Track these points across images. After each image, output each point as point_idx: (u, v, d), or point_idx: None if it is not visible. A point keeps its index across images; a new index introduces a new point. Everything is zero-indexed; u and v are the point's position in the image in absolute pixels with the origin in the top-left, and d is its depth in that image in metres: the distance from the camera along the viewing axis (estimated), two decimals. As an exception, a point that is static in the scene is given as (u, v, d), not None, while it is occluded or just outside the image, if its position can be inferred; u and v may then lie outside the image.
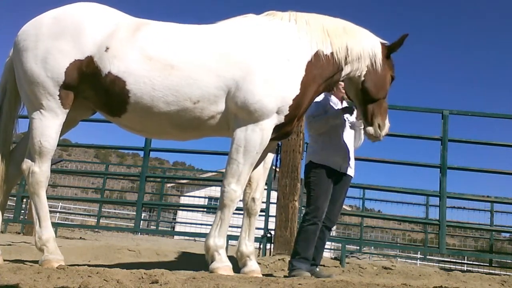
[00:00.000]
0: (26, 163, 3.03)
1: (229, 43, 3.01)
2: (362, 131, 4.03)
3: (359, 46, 3.22)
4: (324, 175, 3.92)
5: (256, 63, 2.93)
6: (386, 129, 3.42)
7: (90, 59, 2.93)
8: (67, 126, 3.26)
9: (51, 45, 2.95)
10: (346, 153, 4.00)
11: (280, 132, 3.14)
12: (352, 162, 4.09)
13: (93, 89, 3.00)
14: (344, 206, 18.23)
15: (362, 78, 3.30)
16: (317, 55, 3.11)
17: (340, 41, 3.17)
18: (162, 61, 2.89)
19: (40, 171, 3.00)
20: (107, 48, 2.91)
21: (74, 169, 12.89)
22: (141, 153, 6.54)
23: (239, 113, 2.92)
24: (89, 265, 3.01)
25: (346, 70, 3.25)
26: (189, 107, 2.92)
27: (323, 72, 3.14)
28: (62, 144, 7.68)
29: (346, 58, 3.18)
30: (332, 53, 3.15)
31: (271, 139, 3.08)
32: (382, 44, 3.38)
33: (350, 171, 4.10)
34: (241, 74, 2.90)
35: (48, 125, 2.99)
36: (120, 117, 3.06)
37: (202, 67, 2.90)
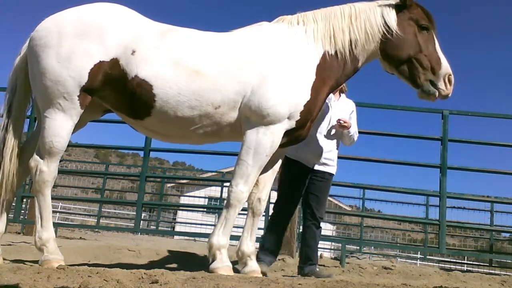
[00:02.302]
0: (35, 161, 3.00)
1: (247, 50, 3.07)
2: (347, 131, 4.02)
3: (363, 33, 3.17)
4: (295, 170, 3.96)
5: (271, 70, 2.99)
6: (443, 80, 3.09)
7: (115, 61, 2.92)
8: (76, 127, 3.24)
9: (76, 44, 2.90)
10: (318, 150, 3.98)
11: (292, 137, 3.16)
12: (329, 159, 4.07)
13: (116, 91, 2.98)
14: (344, 206, 18.23)
15: (379, 52, 3.24)
16: (324, 56, 3.14)
17: (343, 37, 3.16)
18: (188, 67, 2.92)
19: (48, 170, 2.98)
20: (134, 51, 2.90)
21: (74, 169, 12.88)
22: (141, 153, 6.53)
23: (252, 116, 2.97)
24: (89, 265, 3.01)
25: (362, 59, 3.24)
26: (211, 112, 2.97)
27: (331, 73, 3.16)
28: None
29: (351, 52, 3.17)
30: (336, 52, 3.16)
31: (283, 144, 3.11)
32: (395, 5, 3.23)
33: (327, 168, 4.08)
34: (257, 80, 2.96)
35: (62, 125, 2.96)
36: (143, 119, 3.05)
37: (224, 73, 2.95)
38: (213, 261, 2.95)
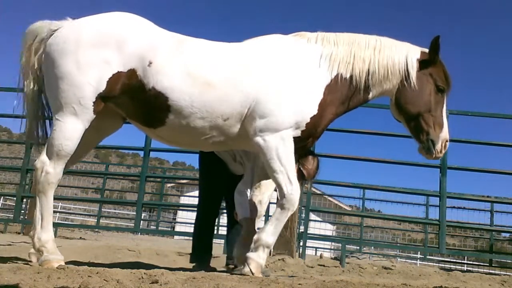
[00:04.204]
0: (41, 162, 2.99)
1: (255, 62, 3.08)
2: None
3: (383, 67, 3.14)
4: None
5: (277, 81, 3.01)
6: (440, 143, 3.18)
7: (132, 72, 2.94)
8: (100, 136, 3.42)
9: (95, 53, 2.93)
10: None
11: (297, 146, 3.15)
12: None
13: (132, 100, 3.02)
14: (344, 206, 18.23)
15: (394, 96, 3.22)
16: (336, 78, 3.13)
17: (362, 65, 3.13)
18: (202, 79, 2.95)
19: (54, 172, 2.97)
20: (151, 63, 2.93)
21: (74, 169, 12.81)
22: (141, 153, 6.53)
23: (256, 126, 2.99)
24: (89, 265, 3.00)
25: (374, 92, 3.22)
26: (220, 123, 3.00)
27: (341, 96, 3.15)
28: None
29: (366, 82, 3.15)
30: (351, 77, 3.14)
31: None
32: (420, 54, 3.23)
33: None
34: (262, 91, 2.98)
35: (73, 129, 2.96)
36: (155, 129, 3.11)
37: (233, 85, 2.98)
38: (250, 251, 3.00)
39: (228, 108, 2.97)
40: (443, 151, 3.22)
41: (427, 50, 3.22)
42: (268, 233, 2.99)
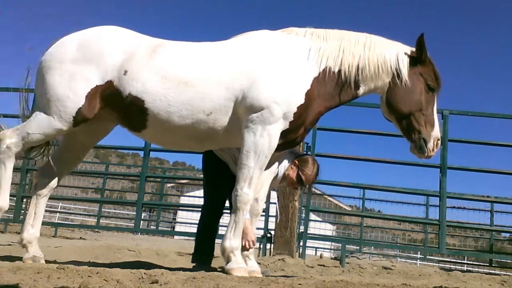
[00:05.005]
0: (9, 136, 3.18)
1: (238, 57, 3.13)
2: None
3: (373, 64, 3.14)
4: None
5: (262, 72, 3.03)
6: (432, 142, 3.15)
7: (110, 83, 3.12)
8: (99, 135, 3.62)
9: (75, 70, 3.14)
10: None
11: (287, 139, 3.18)
12: None
13: (114, 108, 3.19)
14: (344, 206, 18.23)
15: (385, 95, 3.22)
16: (324, 71, 3.13)
17: (352, 60, 3.13)
18: (176, 79, 3.07)
19: (15, 150, 3.16)
20: (126, 72, 3.09)
21: (74, 169, 12.86)
22: (141, 153, 6.54)
23: (247, 119, 3.02)
24: (89, 265, 3.00)
25: (364, 88, 3.21)
26: (203, 118, 3.07)
27: (329, 89, 3.15)
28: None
29: (356, 77, 3.15)
30: (340, 71, 3.14)
31: (278, 146, 3.13)
32: (411, 53, 3.21)
33: None
34: (247, 84, 3.02)
35: (49, 127, 3.17)
36: (140, 132, 3.25)
37: (212, 81, 3.05)
38: (228, 262, 3.00)
39: (210, 102, 3.04)
40: (435, 150, 3.21)
41: (412, 50, 3.21)
42: (230, 238, 3.01)
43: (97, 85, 3.12)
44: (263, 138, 2.99)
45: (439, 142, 3.22)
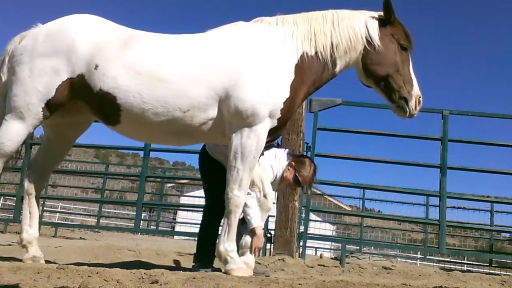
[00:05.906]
0: None
1: (217, 52, 3.04)
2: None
3: (345, 38, 3.15)
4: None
5: (244, 70, 2.95)
6: (414, 101, 3.17)
7: (81, 77, 3.04)
8: (81, 128, 3.57)
9: (45, 62, 3.07)
10: None
11: (274, 136, 3.18)
12: None
13: (86, 102, 3.12)
14: (344, 206, 18.23)
15: (360, 63, 3.23)
16: (303, 57, 3.11)
17: (325, 40, 3.14)
18: (150, 75, 2.95)
19: None
20: (97, 66, 2.99)
21: (74, 169, 12.86)
22: (141, 153, 6.55)
23: (232, 119, 2.96)
24: (89, 265, 3.00)
25: (340, 64, 3.21)
26: (179, 116, 2.98)
27: (311, 73, 3.14)
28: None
29: (332, 55, 3.15)
30: (316, 53, 3.14)
31: (266, 142, 3.10)
32: (378, 18, 3.24)
33: None
34: (230, 82, 2.93)
35: (17, 132, 3.12)
36: (114, 126, 3.17)
37: (190, 77, 2.95)
38: (226, 264, 3.00)
39: (187, 99, 2.94)
40: (418, 108, 3.23)
41: (379, 14, 3.24)
42: (224, 242, 3.00)
43: (67, 78, 3.05)
44: (250, 139, 2.94)
45: (421, 99, 3.23)
